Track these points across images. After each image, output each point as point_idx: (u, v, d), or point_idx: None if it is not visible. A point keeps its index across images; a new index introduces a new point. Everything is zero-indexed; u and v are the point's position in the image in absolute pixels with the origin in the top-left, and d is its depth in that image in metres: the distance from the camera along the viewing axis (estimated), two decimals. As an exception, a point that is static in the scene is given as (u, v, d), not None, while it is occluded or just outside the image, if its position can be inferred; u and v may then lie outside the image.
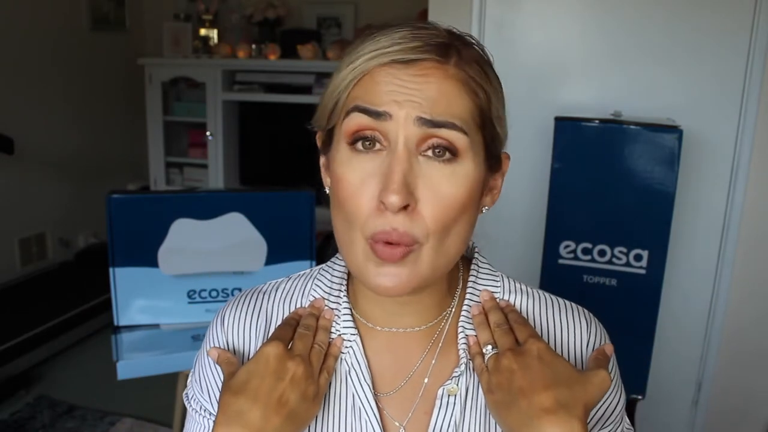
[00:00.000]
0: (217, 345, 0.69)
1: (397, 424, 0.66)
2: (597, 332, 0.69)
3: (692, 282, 1.90)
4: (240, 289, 1.76)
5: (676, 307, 1.89)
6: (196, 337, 1.71)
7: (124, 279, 1.69)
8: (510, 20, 1.93)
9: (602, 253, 1.74)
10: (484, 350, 0.64)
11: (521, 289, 0.71)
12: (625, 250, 1.72)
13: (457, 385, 0.65)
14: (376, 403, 0.65)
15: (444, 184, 0.57)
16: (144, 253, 1.69)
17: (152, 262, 1.69)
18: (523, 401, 0.58)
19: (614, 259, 1.73)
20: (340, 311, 0.68)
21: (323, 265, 0.73)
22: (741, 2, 1.73)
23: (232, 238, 1.73)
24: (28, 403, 2.45)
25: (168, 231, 1.69)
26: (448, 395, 0.65)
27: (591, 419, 0.66)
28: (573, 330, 0.68)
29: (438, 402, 0.65)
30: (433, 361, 0.67)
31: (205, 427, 0.70)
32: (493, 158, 0.62)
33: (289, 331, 0.65)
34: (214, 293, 1.77)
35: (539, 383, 0.58)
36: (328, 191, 0.63)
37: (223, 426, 0.59)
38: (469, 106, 0.58)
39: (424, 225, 0.56)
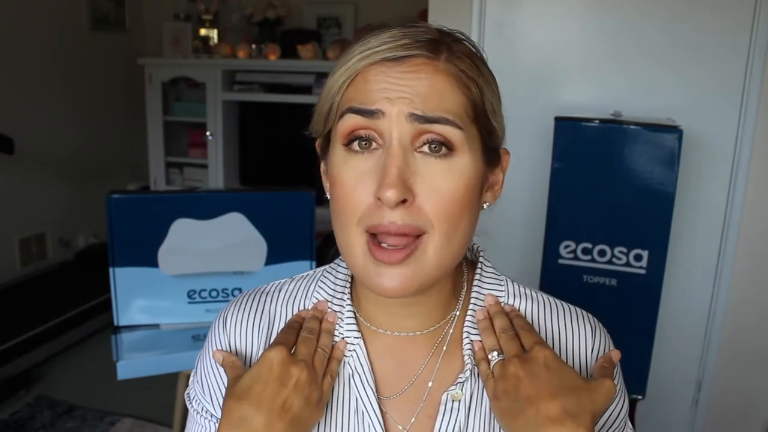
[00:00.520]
0: (219, 346, 0.69)
1: (401, 427, 0.65)
2: (602, 338, 0.69)
3: (692, 282, 1.90)
4: (240, 289, 1.76)
5: (676, 307, 1.89)
6: (196, 337, 1.71)
7: (124, 279, 1.70)
8: (510, 20, 1.93)
9: (602, 253, 1.74)
10: (489, 356, 0.64)
11: (525, 293, 0.70)
12: (625, 250, 1.72)
13: (462, 390, 0.64)
14: (380, 407, 0.65)
15: (442, 180, 0.56)
16: (144, 253, 1.69)
17: (152, 262, 1.69)
18: (530, 409, 0.58)
19: (614, 259, 1.73)
20: (343, 314, 0.67)
21: (327, 267, 0.73)
22: (741, 2, 1.73)
23: (232, 238, 1.73)
24: (28, 403, 2.45)
25: (168, 231, 1.69)
26: (452, 401, 0.64)
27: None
28: (578, 336, 0.68)
29: (442, 407, 0.64)
30: (437, 366, 0.66)
31: (206, 428, 0.69)
32: (490, 152, 0.62)
33: (292, 334, 0.64)
34: (214, 293, 1.77)
35: (546, 391, 0.58)
36: (329, 197, 0.63)
37: None
38: (462, 101, 0.58)
39: (427, 217, 0.56)
